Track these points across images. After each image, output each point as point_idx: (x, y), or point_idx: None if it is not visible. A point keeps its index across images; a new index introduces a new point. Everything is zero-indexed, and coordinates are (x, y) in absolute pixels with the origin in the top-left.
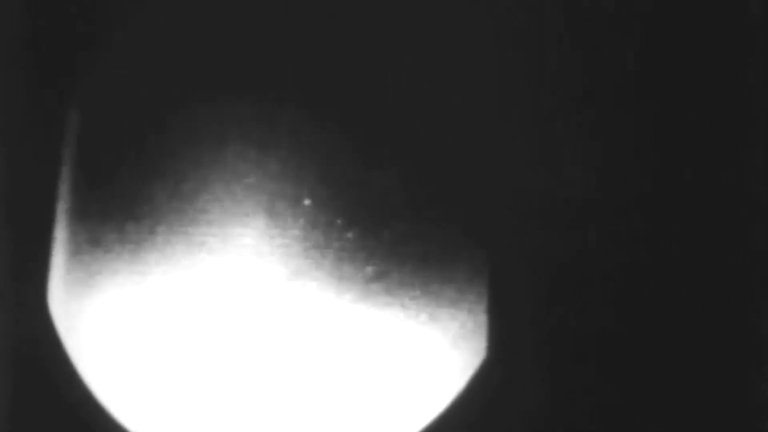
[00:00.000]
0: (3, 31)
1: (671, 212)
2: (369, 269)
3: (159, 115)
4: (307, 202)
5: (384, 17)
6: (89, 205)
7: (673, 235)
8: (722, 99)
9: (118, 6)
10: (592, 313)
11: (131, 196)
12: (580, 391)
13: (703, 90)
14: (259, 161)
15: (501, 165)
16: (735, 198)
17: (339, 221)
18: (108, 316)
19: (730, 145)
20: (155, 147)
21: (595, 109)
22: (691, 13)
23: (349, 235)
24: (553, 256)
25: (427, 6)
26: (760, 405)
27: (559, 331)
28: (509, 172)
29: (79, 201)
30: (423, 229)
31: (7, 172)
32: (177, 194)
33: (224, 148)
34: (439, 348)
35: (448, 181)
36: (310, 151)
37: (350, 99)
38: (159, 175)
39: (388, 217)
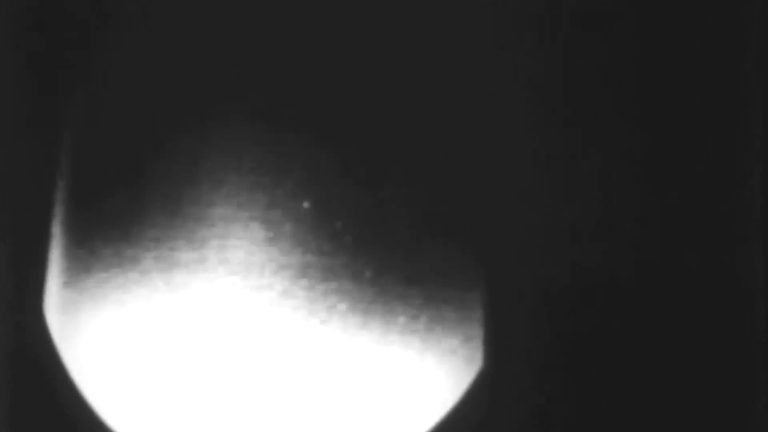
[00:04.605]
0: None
1: (668, 217)
2: (367, 274)
3: (155, 130)
4: (306, 205)
5: (381, 32)
6: (86, 217)
7: (670, 241)
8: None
9: (116, 24)
10: (588, 323)
11: (128, 207)
12: (576, 401)
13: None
14: (259, 166)
15: (500, 175)
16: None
17: (338, 225)
18: (104, 325)
19: (727, 155)
20: (151, 161)
21: (594, 125)
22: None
23: (348, 239)
24: (549, 267)
25: (426, 22)
26: (758, 408)
27: (555, 341)
28: (508, 182)
29: (76, 212)
30: (421, 235)
31: (5, 183)
32: (174, 204)
33: (221, 157)
34: (435, 357)
35: (447, 189)
36: (309, 156)
37: (352, 106)
38: (155, 186)
39: (386, 222)
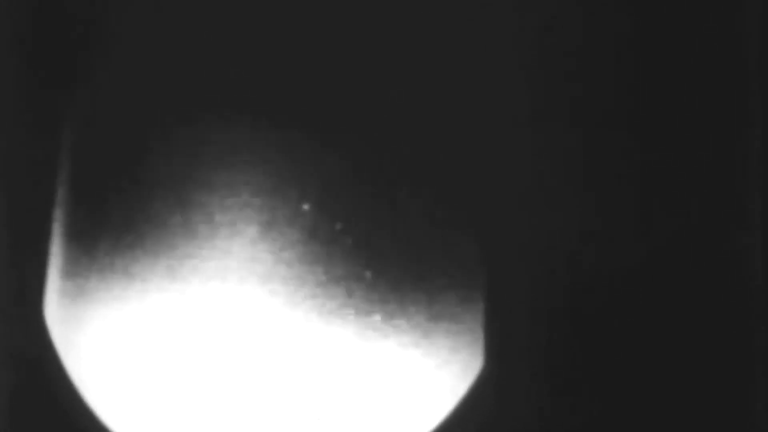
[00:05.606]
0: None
1: (669, 217)
2: (368, 274)
3: (156, 130)
4: (306, 207)
5: (380, 33)
6: (85, 219)
7: (670, 241)
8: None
9: (117, 21)
10: (588, 323)
11: (127, 210)
12: (576, 403)
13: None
14: (258, 167)
15: (501, 176)
16: (730, 206)
17: (338, 227)
18: (102, 326)
19: (726, 156)
20: (151, 161)
21: (595, 125)
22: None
23: (348, 240)
24: (549, 267)
25: (428, 20)
26: (758, 408)
27: (555, 343)
28: (509, 183)
29: (75, 215)
30: (421, 236)
31: (3, 185)
32: (174, 204)
33: (221, 159)
34: (436, 357)
35: (448, 190)
36: (309, 157)
37: (353, 107)
38: (154, 189)
39: (387, 223)
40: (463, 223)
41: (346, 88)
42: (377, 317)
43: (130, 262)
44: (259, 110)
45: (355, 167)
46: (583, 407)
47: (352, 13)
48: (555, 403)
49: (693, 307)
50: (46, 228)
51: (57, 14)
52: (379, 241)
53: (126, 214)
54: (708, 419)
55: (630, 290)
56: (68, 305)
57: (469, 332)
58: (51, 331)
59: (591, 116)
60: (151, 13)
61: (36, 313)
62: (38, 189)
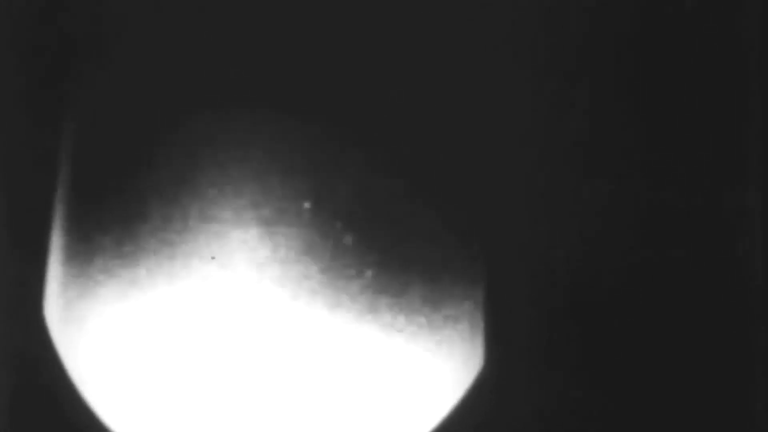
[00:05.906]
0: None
1: (669, 217)
2: (368, 273)
3: (156, 127)
4: (306, 205)
5: (384, 30)
6: (86, 217)
7: (670, 241)
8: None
9: (117, 18)
10: (588, 325)
11: (127, 207)
12: (577, 401)
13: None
14: (259, 165)
15: (502, 175)
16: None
17: (338, 225)
18: (103, 326)
19: (726, 155)
20: (151, 160)
21: (596, 125)
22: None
23: (348, 239)
24: (551, 267)
25: (433, 19)
26: (758, 408)
27: (555, 343)
28: (510, 183)
29: (75, 212)
30: (421, 235)
31: (4, 183)
32: (174, 202)
33: (222, 156)
34: (436, 357)
35: (448, 188)
36: (309, 156)
37: (354, 105)
38: (155, 186)
39: (386, 222)
40: (464, 223)
41: (347, 86)
42: (377, 316)
43: (130, 262)
44: (261, 108)
45: (356, 166)
46: (583, 407)
47: (355, 13)
48: (555, 403)
49: (693, 307)
50: (46, 228)
51: (57, 14)
52: (379, 239)
53: (126, 213)
54: (708, 419)
55: (630, 290)
56: (68, 305)
57: (469, 332)
58: (51, 331)
59: (591, 116)
60: (151, 13)
61: (36, 313)
62: (38, 188)
